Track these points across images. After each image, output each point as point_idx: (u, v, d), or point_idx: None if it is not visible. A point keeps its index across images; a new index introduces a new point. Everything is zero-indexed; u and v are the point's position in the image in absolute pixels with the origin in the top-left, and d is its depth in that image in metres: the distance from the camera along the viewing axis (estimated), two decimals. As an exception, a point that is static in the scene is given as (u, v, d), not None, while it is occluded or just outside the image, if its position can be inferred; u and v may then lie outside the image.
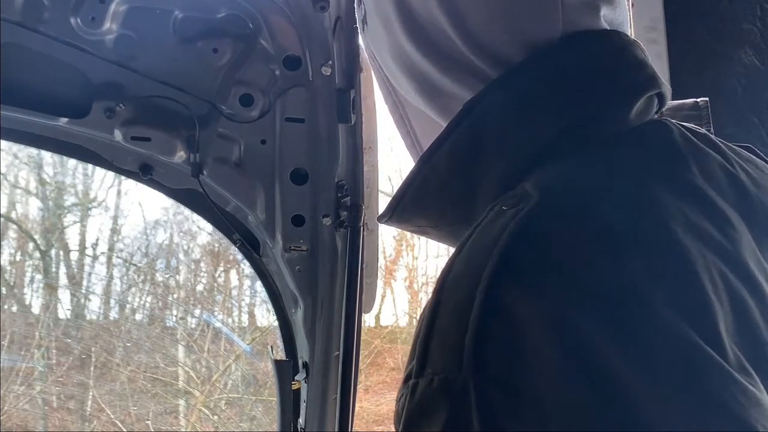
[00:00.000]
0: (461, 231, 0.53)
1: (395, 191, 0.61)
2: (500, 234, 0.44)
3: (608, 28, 0.57)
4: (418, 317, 0.51)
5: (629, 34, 0.60)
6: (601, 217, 0.45)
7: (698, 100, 0.68)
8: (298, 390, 1.39)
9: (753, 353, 0.42)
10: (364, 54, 1.30)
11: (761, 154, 0.62)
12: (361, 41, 0.72)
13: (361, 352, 1.40)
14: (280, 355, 1.44)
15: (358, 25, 0.68)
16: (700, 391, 0.39)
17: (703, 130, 0.58)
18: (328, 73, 1.29)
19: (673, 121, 0.58)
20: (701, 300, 0.42)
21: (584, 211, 0.45)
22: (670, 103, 0.63)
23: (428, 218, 0.61)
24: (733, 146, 0.59)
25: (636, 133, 0.54)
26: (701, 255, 0.45)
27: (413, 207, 0.60)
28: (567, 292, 0.41)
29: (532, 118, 0.53)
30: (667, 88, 0.58)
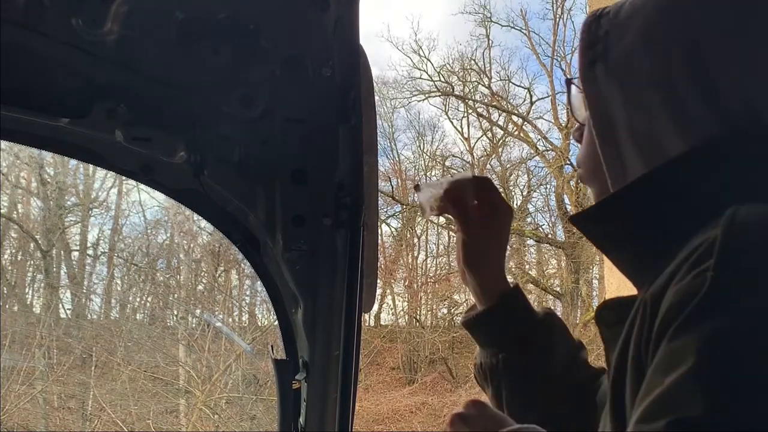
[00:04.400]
0: (655, 245, 0.73)
1: (612, 194, 0.77)
2: None
3: None
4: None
5: None
6: None
7: None
8: (298, 389, 1.40)
9: None
10: (364, 55, 1.30)
11: None
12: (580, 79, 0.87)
13: (361, 352, 1.40)
14: (281, 354, 1.44)
15: (585, 63, 0.82)
16: None
17: None
18: (328, 74, 1.29)
19: None
20: None
21: None
22: None
23: (637, 226, 0.75)
24: None
25: None
26: None
27: (631, 211, 0.75)
28: None
29: (762, 166, 0.71)
30: None
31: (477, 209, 1.10)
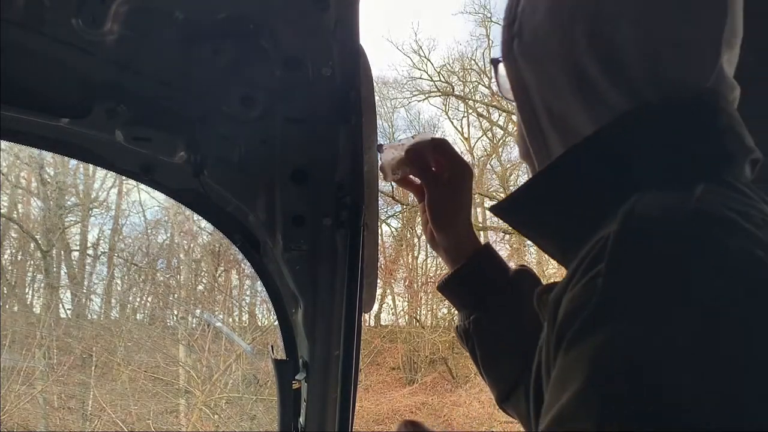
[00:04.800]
0: (567, 236, 0.68)
1: (527, 181, 0.73)
2: (681, 196, 0.58)
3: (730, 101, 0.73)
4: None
5: None
6: (750, 207, 0.59)
7: None
8: (298, 389, 1.40)
9: None
10: (364, 55, 1.30)
11: None
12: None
13: (361, 352, 1.40)
14: (281, 354, 1.44)
15: (503, 44, 0.80)
16: None
17: None
18: (328, 74, 1.29)
19: None
20: None
21: (739, 200, 0.60)
22: None
23: (557, 210, 0.71)
24: None
25: (745, 182, 0.67)
26: None
27: (547, 196, 0.71)
28: (749, 240, 0.54)
29: (680, 143, 0.66)
30: (761, 159, 0.73)
31: (438, 171, 1.11)
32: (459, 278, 1.07)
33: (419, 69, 15.91)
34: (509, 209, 0.76)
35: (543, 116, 0.76)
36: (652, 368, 0.49)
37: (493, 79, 1.09)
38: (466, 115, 16.43)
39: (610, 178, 0.67)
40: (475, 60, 15.88)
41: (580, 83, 0.72)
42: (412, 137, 1.17)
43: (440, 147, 1.12)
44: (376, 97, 1.41)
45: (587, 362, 0.52)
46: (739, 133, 0.70)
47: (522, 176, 16.32)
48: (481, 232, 14.24)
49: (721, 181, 0.63)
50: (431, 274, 16.06)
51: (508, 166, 15.96)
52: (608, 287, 0.54)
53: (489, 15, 15.58)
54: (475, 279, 1.06)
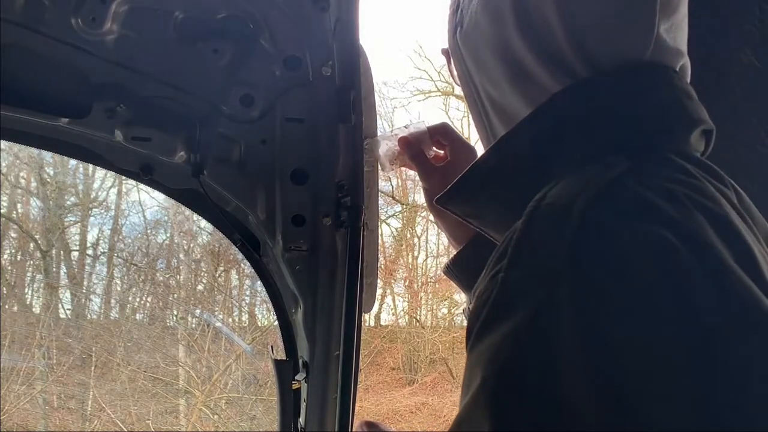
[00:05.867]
0: (501, 227, 0.65)
1: (465, 171, 0.69)
2: (594, 179, 0.54)
3: (678, 70, 0.69)
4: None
5: None
6: (677, 189, 0.54)
7: None
8: (298, 389, 1.40)
9: None
10: (364, 55, 1.30)
11: None
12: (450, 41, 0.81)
13: (361, 352, 1.40)
14: (281, 354, 1.44)
15: (449, 32, 0.78)
16: (763, 318, 0.46)
17: None
18: (328, 73, 1.29)
19: None
20: (756, 266, 0.50)
21: (663, 183, 0.55)
22: None
23: (496, 195, 0.68)
24: None
25: (692, 156, 0.63)
26: (753, 243, 0.53)
27: (486, 184, 0.69)
28: (660, 220, 0.50)
29: (613, 118, 0.63)
30: (712, 131, 0.69)
31: (439, 157, 1.11)
32: (461, 261, 1.07)
33: (419, 69, 15.92)
34: (452, 200, 0.72)
35: (487, 105, 0.75)
36: (544, 367, 0.46)
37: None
38: (466, 115, 16.43)
39: (540, 164, 0.64)
40: (474, 60, 15.88)
41: (513, 68, 0.69)
42: (405, 127, 1.17)
43: (441, 131, 1.11)
44: (376, 97, 1.41)
45: (484, 362, 0.49)
46: (682, 104, 0.65)
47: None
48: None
49: (654, 157, 0.59)
50: (431, 274, 16.06)
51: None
52: (505, 284, 0.51)
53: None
54: (477, 260, 1.06)
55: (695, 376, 0.43)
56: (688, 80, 0.71)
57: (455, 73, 0.81)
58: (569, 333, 0.46)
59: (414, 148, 1.11)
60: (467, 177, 0.69)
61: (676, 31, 0.68)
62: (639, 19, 0.65)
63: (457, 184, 0.70)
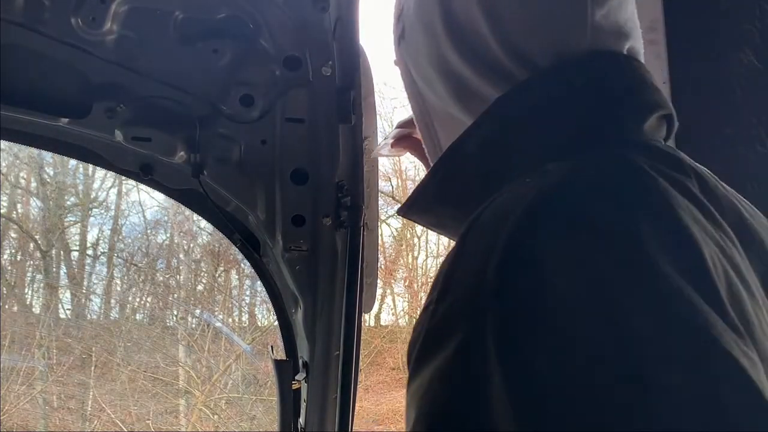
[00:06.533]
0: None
1: (418, 183, 0.66)
2: (526, 194, 0.50)
3: (627, 53, 0.65)
4: (418, 317, 0.53)
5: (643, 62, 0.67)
6: (617, 190, 0.51)
7: None
8: (298, 390, 1.40)
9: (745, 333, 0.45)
10: (364, 55, 1.30)
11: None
12: (394, 55, 0.78)
13: (361, 352, 1.40)
14: (280, 354, 1.44)
15: (394, 42, 0.75)
16: (705, 342, 0.42)
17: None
18: (328, 74, 1.29)
19: None
20: (704, 271, 0.46)
21: (602, 184, 0.51)
22: None
23: (451, 207, 0.66)
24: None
25: (648, 145, 0.60)
26: (704, 240, 0.49)
27: (438, 196, 0.66)
28: (588, 240, 0.46)
29: (556, 118, 0.60)
30: (674, 115, 0.65)
31: None
32: None
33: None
34: (412, 212, 0.70)
35: (433, 116, 0.72)
36: (472, 404, 0.44)
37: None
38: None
39: (489, 173, 0.61)
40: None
41: (453, 82, 0.66)
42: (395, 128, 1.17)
43: None
44: (376, 97, 1.41)
45: (417, 400, 0.47)
46: (629, 91, 0.61)
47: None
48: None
49: (598, 156, 0.55)
50: (431, 274, 16.05)
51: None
52: (435, 318, 0.48)
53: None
54: None
55: (625, 410, 0.40)
56: (642, 58, 0.67)
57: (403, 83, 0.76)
58: (494, 368, 0.43)
59: (404, 137, 1.10)
60: (420, 189, 0.67)
61: (617, 13, 0.64)
62: (568, 11, 0.62)
63: (411, 196, 0.68)
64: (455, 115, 0.67)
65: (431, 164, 0.72)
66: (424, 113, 0.73)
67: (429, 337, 0.48)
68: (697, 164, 0.60)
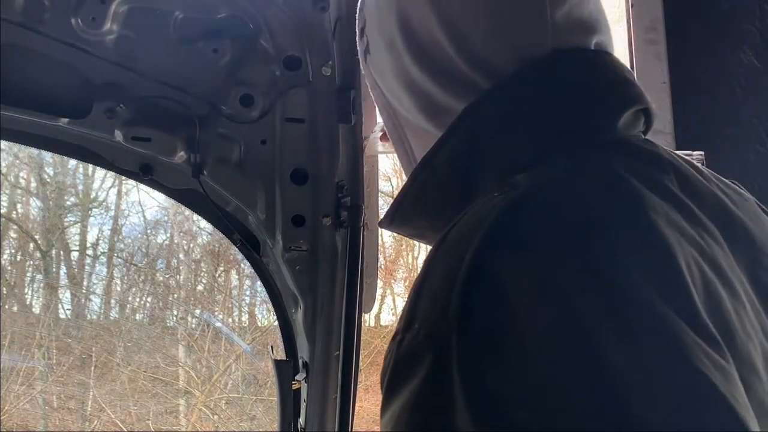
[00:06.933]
0: None
1: (396, 196, 0.65)
2: (491, 211, 0.48)
3: (594, 48, 0.62)
4: (388, 344, 0.52)
5: (614, 55, 0.64)
6: (585, 199, 0.49)
7: (693, 152, 0.72)
8: (298, 390, 1.40)
9: (723, 338, 0.44)
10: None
11: (744, 189, 0.66)
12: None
13: (361, 352, 1.40)
14: (281, 354, 1.44)
15: (360, 56, 0.73)
16: (676, 359, 0.41)
17: (687, 158, 0.62)
18: (328, 74, 1.29)
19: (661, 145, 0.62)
20: (676, 278, 0.45)
21: (569, 194, 0.49)
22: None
23: (428, 219, 0.64)
24: (718, 175, 0.64)
25: (623, 142, 0.58)
26: (678, 243, 0.47)
27: (414, 209, 0.64)
28: (550, 257, 0.44)
29: (524, 123, 0.58)
30: (652, 107, 0.62)
31: None
32: None
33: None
34: (393, 224, 0.68)
35: (406, 129, 0.70)
36: None
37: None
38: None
39: (461, 184, 0.60)
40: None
41: (421, 99, 0.64)
42: None
43: None
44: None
45: None
46: (598, 88, 0.59)
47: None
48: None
49: (567, 161, 0.53)
50: (431, 275, 16.00)
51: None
52: (401, 348, 0.47)
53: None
54: None
55: None
56: (612, 50, 0.64)
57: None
58: (459, 400, 0.42)
59: None
60: (397, 202, 0.65)
61: (580, 8, 0.61)
62: (525, 15, 0.60)
63: (390, 209, 0.67)
64: (426, 128, 0.66)
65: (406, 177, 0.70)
66: (397, 127, 0.71)
67: (396, 369, 0.47)
68: (677, 158, 0.59)
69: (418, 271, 0.51)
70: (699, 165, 0.62)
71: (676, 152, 0.64)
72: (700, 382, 0.40)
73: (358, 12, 0.73)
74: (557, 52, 0.59)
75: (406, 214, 0.65)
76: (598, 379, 0.39)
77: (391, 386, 0.47)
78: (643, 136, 0.62)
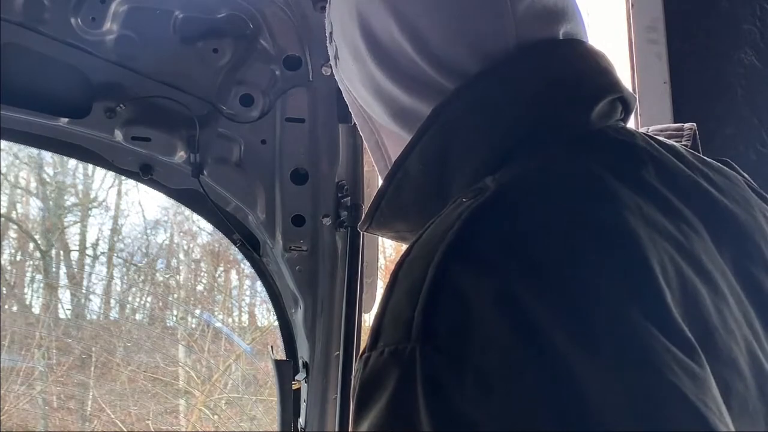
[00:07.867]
0: None
1: (372, 199, 0.64)
2: (456, 220, 0.47)
3: (562, 38, 0.60)
4: (357, 363, 0.51)
5: (587, 42, 0.62)
6: (552, 203, 0.47)
7: (684, 124, 0.70)
8: (298, 390, 1.40)
9: (702, 337, 0.43)
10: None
11: (736, 166, 0.64)
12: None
13: (361, 352, 1.39)
14: (281, 354, 1.44)
15: (332, 62, 0.71)
16: (642, 367, 0.40)
17: (671, 143, 0.60)
18: (328, 73, 1.29)
19: (640, 130, 0.60)
20: (648, 282, 0.43)
21: (536, 199, 0.48)
22: (656, 126, 0.66)
23: (406, 221, 0.63)
24: (705, 158, 0.61)
25: (597, 135, 0.56)
26: (652, 241, 0.46)
27: (391, 212, 0.63)
28: (512, 269, 0.43)
29: (491, 122, 0.56)
30: (630, 94, 0.60)
31: None
32: None
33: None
34: (372, 227, 0.66)
35: (382, 134, 0.69)
36: None
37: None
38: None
39: (434, 187, 0.58)
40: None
41: (390, 106, 0.63)
42: None
43: None
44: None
45: None
46: (570, 80, 0.57)
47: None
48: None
49: (535, 161, 0.52)
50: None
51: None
52: (366, 367, 0.45)
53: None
54: None
55: None
56: (584, 36, 0.62)
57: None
58: (425, 420, 0.41)
59: None
60: (373, 206, 0.64)
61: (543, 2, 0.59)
62: (485, 11, 0.57)
63: (367, 213, 0.65)
64: (400, 134, 0.64)
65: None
66: (373, 132, 0.70)
67: (363, 390, 0.45)
68: (656, 146, 0.57)
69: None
70: (683, 150, 0.60)
71: (658, 136, 0.62)
72: (669, 391, 0.39)
73: (326, 16, 0.71)
74: (522, 47, 0.57)
75: (383, 217, 0.64)
76: (562, 391, 0.38)
77: (359, 407, 0.45)
78: (621, 124, 0.60)
